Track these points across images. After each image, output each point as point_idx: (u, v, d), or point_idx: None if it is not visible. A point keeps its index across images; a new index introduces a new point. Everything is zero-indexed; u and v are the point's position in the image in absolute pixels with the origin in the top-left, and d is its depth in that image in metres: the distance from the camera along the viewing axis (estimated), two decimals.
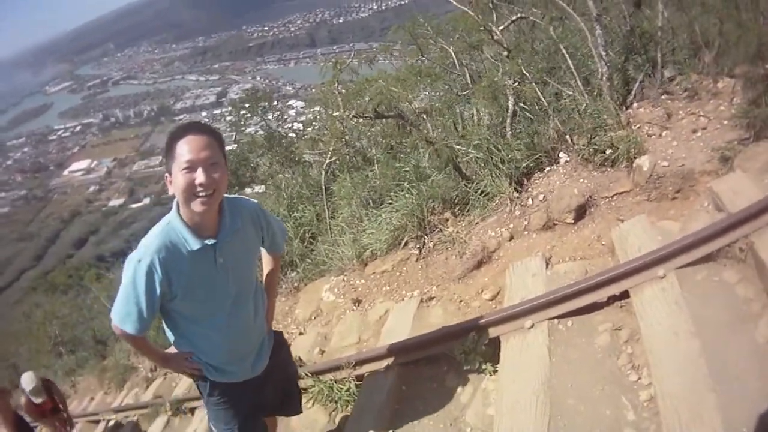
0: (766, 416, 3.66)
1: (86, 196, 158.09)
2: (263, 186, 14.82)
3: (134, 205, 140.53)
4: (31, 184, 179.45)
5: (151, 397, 10.38)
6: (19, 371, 27.22)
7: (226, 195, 3.78)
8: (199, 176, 3.43)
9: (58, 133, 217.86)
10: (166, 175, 3.56)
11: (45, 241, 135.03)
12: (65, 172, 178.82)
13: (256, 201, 4.21)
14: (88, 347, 19.23)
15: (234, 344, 4.06)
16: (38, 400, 9.47)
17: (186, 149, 3.42)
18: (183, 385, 9.97)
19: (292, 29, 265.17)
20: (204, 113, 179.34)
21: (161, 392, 10.40)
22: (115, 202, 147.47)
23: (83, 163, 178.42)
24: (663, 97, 7.52)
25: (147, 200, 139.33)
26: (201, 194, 3.48)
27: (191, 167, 3.42)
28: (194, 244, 3.62)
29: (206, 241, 3.63)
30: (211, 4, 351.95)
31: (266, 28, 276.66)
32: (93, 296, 20.89)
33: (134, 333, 3.69)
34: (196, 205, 3.51)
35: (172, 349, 4.16)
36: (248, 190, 15.46)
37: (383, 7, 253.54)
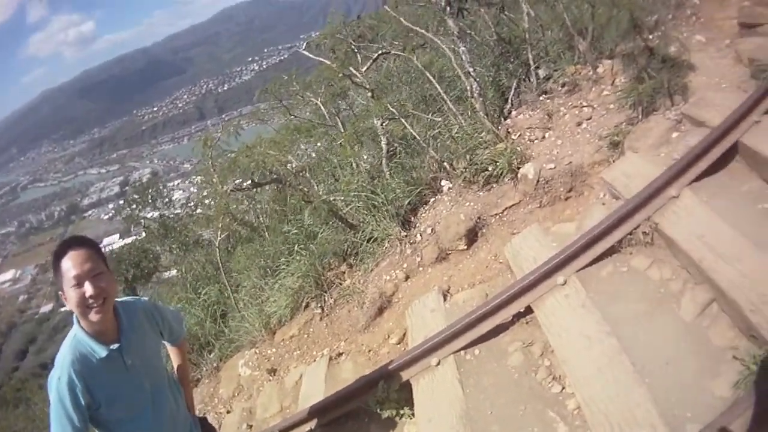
0: (708, 394, 3.71)
1: (18, 306, 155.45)
2: (174, 270, 14.73)
3: (63, 309, 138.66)
4: None
5: None
6: None
7: (117, 299, 3.75)
8: (88, 289, 3.41)
9: None
10: (60, 292, 3.52)
11: None
12: None
13: (145, 298, 4.22)
14: None
15: None
16: None
17: (70, 265, 3.41)
18: None
19: (180, 105, 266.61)
20: (111, 205, 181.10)
21: None
22: (45, 308, 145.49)
23: (8, 274, 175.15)
24: (542, 98, 7.55)
25: None
26: (93, 305, 3.45)
27: (78, 282, 3.40)
28: (101, 352, 3.56)
29: (111, 347, 3.58)
30: (99, 93, 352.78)
31: (155, 109, 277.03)
32: (40, 408, 20.49)
33: None
34: (92, 316, 3.48)
35: None
36: (160, 277, 15.34)
37: (264, 66, 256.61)
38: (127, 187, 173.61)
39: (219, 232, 10.05)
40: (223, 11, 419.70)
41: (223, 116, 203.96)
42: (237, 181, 9.83)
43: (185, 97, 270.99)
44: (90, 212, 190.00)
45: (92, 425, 3.63)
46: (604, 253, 4.79)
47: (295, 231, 8.80)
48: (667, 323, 4.18)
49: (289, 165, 9.99)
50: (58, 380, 3.44)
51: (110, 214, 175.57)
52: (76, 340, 3.56)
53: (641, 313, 4.29)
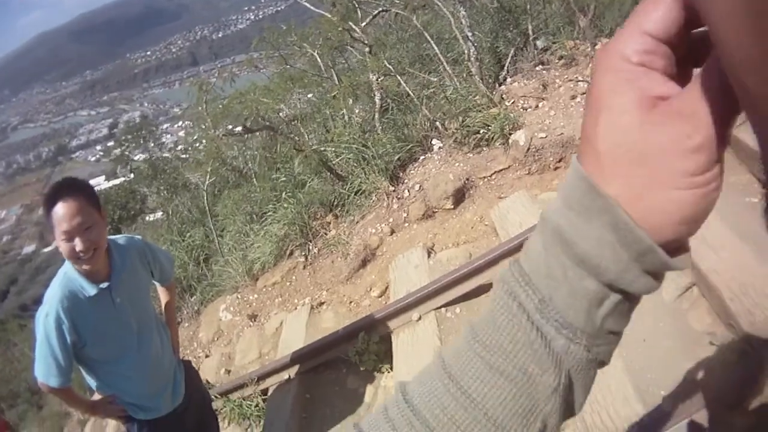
0: (681, 374, 3.70)
1: (1, 246, 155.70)
2: (160, 213, 14.68)
3: (46, 249, 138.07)
4: None
5: None
6: None
7: (110, 238, 3.83)
8: (78, 244, 3.44)
9: None
10: (50, 235, 3.68)
11: None
12: None
13: (139, 237, 4.23)
14: (25, 399, 18.21)
15: (149, 378, 4.05)
16: None
17: (60, 217, 3.42)
18: (111, 426, 9.75)
19: (174, 50, 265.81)
20: (98, 147, 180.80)
21: None
22: (28, 249, 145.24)
23: None
24: (538, 68, 7.52)
25: None
26: (83, 257, 3.49)
27: (68, 237, 3.42)
28: (90, 290, 3.61)
29: (101, 285, 3.63)
30: (94, 36, 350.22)
31: (149, 53, 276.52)
32: (20, 348, 20.45)
33: (58, 386, 3.68)
34: (82, 265, 3.54)
35: (96, 396, 4.16)
36: (145, 219, 15.28)
37: (260, 16, 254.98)
38: (115, 130, 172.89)
39: (207, 176, 10.04)
40: None
41: (217, 63, 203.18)
42: (229, 127, 9.79)
43: (179, 42, 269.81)
44: (77, 153, 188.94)
45: (77, 363, 3.78)
46: None
47: (284, 179, 8.82)
48: (647, 301, 3.98)
49: (281, 113, 9.99)
50: (46, 317, 3.51)
51: (97, 156, 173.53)
52: (66, 278, 3.60)
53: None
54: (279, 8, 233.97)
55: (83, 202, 3.43)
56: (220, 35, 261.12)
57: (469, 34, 7.60)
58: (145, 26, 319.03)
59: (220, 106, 9.74)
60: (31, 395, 17.66)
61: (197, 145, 13.06)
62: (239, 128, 9.21)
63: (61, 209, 3.40)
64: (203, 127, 10.35)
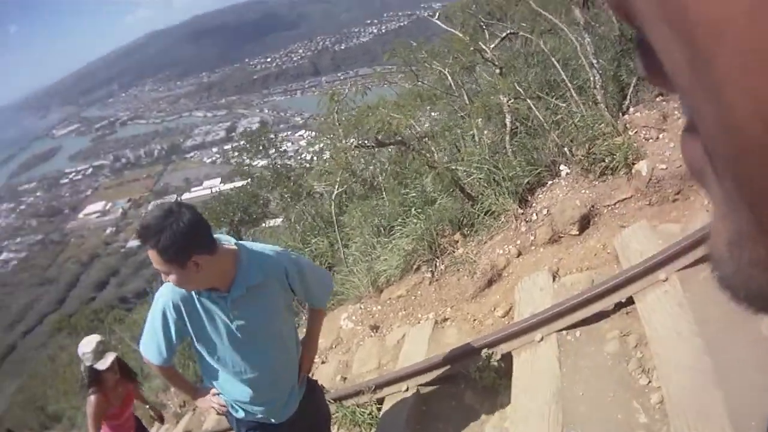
0: None
1: (104, 238, 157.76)
2: (280, 219, 15.07)
3: None
4: (46, 228, 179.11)
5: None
6: (47, 413, 27.29)
7: (253, 248, 3.98)
8: (176, 283, 3.65)
9: (70, 176, 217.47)
10: None
11: (65, 285, 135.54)
12: (80, 215, 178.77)
13: (290, 254, 4.33)
14: None
15: (258, 389, 4.14)
16: (103, 366, 6.69)
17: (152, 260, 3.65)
18: (211, 420, 10.13)
19: (295, 59, 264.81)
20: (215, 149, 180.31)
21: (191, 427, 10.59)
22: (133, 243, 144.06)
23: (98, 206, 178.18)
24: (658, 99, 7.67)
25: None
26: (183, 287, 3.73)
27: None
28: (205, 297, 3.79)
29: (219, 293, 3.77)
30: (210, 39, 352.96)
31: (269, 60, 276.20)
32: (117, 337, 20.94)
33: (157, 363, 4.00)
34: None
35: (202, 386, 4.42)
36: (264, 225, 15.70)
37: (383, 30, 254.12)
38: (233, 133, 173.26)
39: (336, 186, 10.36)
40: None
41: (339, 74, 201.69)
42: (353, 140, 10.03)
43: (300, 51, 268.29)
44: (192, 154, 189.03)
45: (193, 352, 4.31)
46: (703, 257, 4.69)
47: (414, 194, 9.09)
48: (754, 333, 4.26)
49: (411, 129, 10.32)
50: (162, 297, 3.81)
51: (213, 158, 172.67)
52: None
53: (730, 319, 4.35)
54: (402, 23, 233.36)
55: (156, 252, 3.50)
56: (342, 47, 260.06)
57: (594, 61, 7.85)
58: (263, 33, 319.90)
59: (352, 117, 10.04)
60: None
61: (325, 155, 13.48)
62: (371, 141, 9.49)
63: (150, 254, 3.57)
64: (332, 136, 10.75)
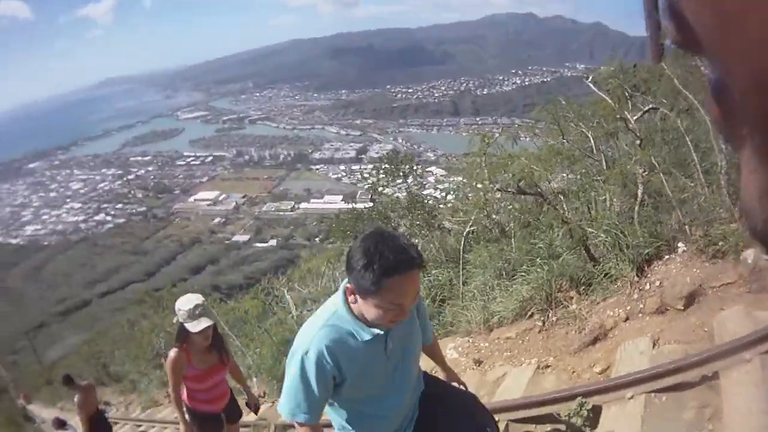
0: None
1: (210, 226, 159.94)
2: None
3: (259, 245, 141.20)
4: (152, 203, 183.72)
5: (255, 419, 10.82)
6: (108, 371, 28.93)
7: None
8: (402, 315, 3.49)
9: (188, 159, 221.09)
10: (349, 286, 3.54)
11: (159, 260, 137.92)
12: (191, 199, 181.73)
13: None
14: None
15: (394, 421, 4.12)
16: (194, 329, 6.63)
17: (399, 290, 3.37)
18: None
19: (436, 95, 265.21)
20: (342, 167, 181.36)
21: (266, 416, 11.02)
22: (239, 238, 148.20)
23: (211, 194, 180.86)
24: None
25: (273, 242, 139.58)
26: (393, 322, 3.54)
27: (395, 308, 3.42)
28: (365, 335, 3.60)
29: (376, 331, 3.59)
30: (353, 58, 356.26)
31: (410, 90, 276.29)
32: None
33: (306, 422, 3.72)
34: (380, 325, 3.57)
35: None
36: None
37: (526, 83, 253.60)
38: (363, 156, 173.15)
39: (469, 224, 10.94)
40: (493, 17, 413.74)
41: (478, 119, 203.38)
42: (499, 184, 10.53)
43: (443, 88, 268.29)
44: (318, 167, 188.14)
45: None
46: None
47: (541, 245, 9.51)
48: None
49: (548, 184, 10.88)
50: (305, 354, 3.54)
51: (339, 175, 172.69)
52: (337, 317, 3.62)
53: None
54: (545, 79, 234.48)
55: (418, 271, 3.42)
56: (484, 92, 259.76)
57: (723, 146, 8.31)
58: (408, 63, 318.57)
59: (497, 161, 10.71)
60: None
61: (458, 194, 14.03)
62: (512, 187, 10.02)
63: (404, 282, 3.35)
64: (474, 176, 11.40)
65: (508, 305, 9.01)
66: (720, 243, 7.41)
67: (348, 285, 3.56)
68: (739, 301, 6.54)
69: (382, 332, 3.61)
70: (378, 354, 3.70)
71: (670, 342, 6.59)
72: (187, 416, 7.39)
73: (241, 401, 8.18)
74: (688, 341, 6.41)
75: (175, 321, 6.82)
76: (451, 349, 9.22)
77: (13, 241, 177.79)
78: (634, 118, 9.92)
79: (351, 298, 3.57)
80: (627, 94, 10.70)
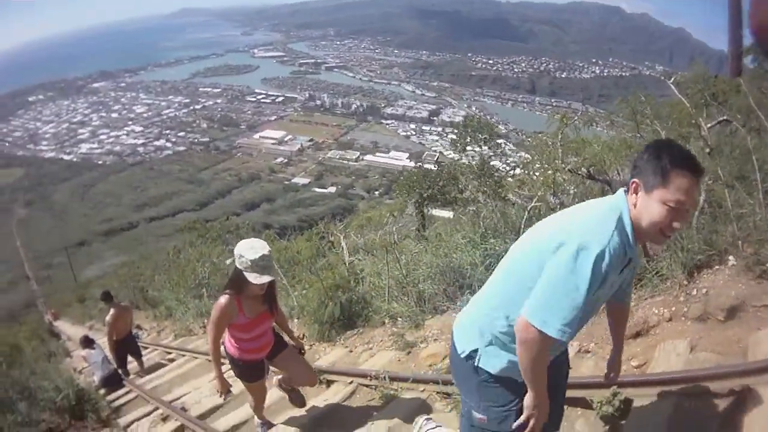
0: None
1: (271, 164, 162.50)
2: (452, 212, 16.01)
3: (318, 190, 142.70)
4: (215, 134, 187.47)
5: None
6: (145, 295, 29.26)
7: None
8: (678, 222, 3.46)
9: (258, 97, 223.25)
10: (635, 181, 3.56)
11: (214, 192, 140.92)
12: (256, 136, 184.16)
13: None
14: None
15: (560, 348, 4.29)
16: (255, 281, 6.35)
17: (683, 187, 3.39)
18: (327, 359, 10.98)
19: (516, 70, 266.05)
20: (412, 125, 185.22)
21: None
22: (299, 180, 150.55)
23: (277, 133, 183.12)
24: None
25: (333, 189, 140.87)
26: (668, 235, 3.53)
27: (679, 209, 3.42)
28: (631, 251, 3.57)
29: (634, 248, 3.59)
30: (437, 21, 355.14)
31: (490, 62, 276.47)
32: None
33: (558, 337, 3.48)
34: (655, 242, 3.67)
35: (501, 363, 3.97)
36: (435, 212, 16.40)
37: (605, 74, 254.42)
38: (435, 117, 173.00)
39: (535, 199, 11.04)
40: (581, 3, 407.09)
41: (553, 100, 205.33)
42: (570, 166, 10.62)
43: (523, 64, 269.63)
44: (389, 122, 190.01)
45: None
46: None
47: None
48: None
49: (619, 174, 10.87)
50: (600, 254, 3.36)
51: (408, 133, 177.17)
52: (621, 224, 3.53)
53: None
54: (624, 74, 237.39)
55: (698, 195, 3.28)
56: (563, 75, 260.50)
57: None
58: (491, 34, 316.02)
59: (572, 143, 10.93)
60: None
61: (525, 171, 14.14)
62: (582, 171, 10.15)
63: (688, 180, 3.39)
64: (547, 154, 11.44)
65: None
66: (767, 264, 7.39)
67: (634, 180, 3.58)
68: None
69: (633, 251, 3.60)
70: (614, 276, 3.61)
71: (706, 350, 6.62)
72: (227, 364, 7.47)
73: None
74: (723, 353, 6.42)
75: (229, 262, 6.78)
76: None
77: (66, 158, 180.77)
78: (708, 126, 9.85)
79: (632, 198, 3.58)
80: (704, 101, 10.72)
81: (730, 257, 8.13)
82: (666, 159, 3.43)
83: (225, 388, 7.22)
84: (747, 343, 6.38)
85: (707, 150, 9.54)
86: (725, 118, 10.22)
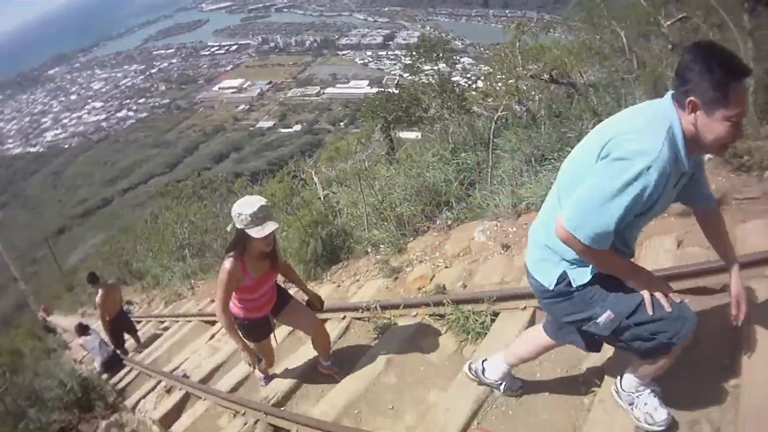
0: None
1: (234, 113, 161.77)
2: (419, 133, 15.95)
3: (284, 130, 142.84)
4: (175, 94, 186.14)
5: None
6: (130, 268, 29.22)
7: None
8: (736, 134, 3.32)
9: (212, 49, 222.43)
10: (693, 99, 3.30)
11: (182, 151, 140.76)
12: (214, 88, 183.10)
13: None
14: (215, 254, 19.81)
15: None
16: (259, 234, 6.05)
17: (741, 98, 3.26)
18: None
19: None
20: (369, 52, 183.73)
21: None
22: (263, 124, 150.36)
23: (235, 82, 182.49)
24: None
25: (298, 127, 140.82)
26: (729, 145, 3.50)
27: (737, 123, 3.28)
28: (686, 164, 3.46)
29: (689, 160, 3.46)
30: None
31: None
32: (218, 206, 22.10)
33: (591, 245, 3.50)
34: (716, 154, 3.77)
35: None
36: (402, 135, 16.39)
37: None
38: (390, 42, 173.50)
39: (500, 109, 10.95)
40: None
41: (507, 11, 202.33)
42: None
43: None
44: (345, 52, 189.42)
45: None
46: None
47: (571, 135, 9.51)
48: None
49: (581, 76, 10.89)
50: (646, 170, 3.26)
51: (365, 60, 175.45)
52: (672, 136, 3.38)
53: None
54: None
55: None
56: None
57: (752, 63, 8.20)
58: None
59: (531, 49, 10.93)
60: (225, 252, 19.13)
61: (486, 82, 14.14)
62: (545, 76, 10.02)
63: (743, 87, 3.29)
64: (507, 63, 11.39)
65: (537, 191, 9.03)
66: (745, 157, 7.40)
67: (690, 99, 3.31)
68: (762, 216, 6.51)
69: (689, 163, 3.45)
70: (669, 190, 3.53)
71: (693, 245, 6.58)
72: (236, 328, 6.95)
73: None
74: (710, 247, 6.28)
75: (230, 228, 6.30)
76: (479, 232, 9.40)
77: (33, 150, 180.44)
78: (667, 23, 9.87)
79: (690, 118, 3.36)
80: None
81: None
82: (720, 72, 3.20)
83: (253, 359, 6.98)
84: (734, 236, 6.23)
85: (669, 47, 9.61)
86: (684, 15, 10.13)
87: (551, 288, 4.02)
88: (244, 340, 6.87)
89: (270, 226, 6.04)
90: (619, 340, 4.03)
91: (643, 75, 9.72)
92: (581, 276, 3.88)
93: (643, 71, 9.84)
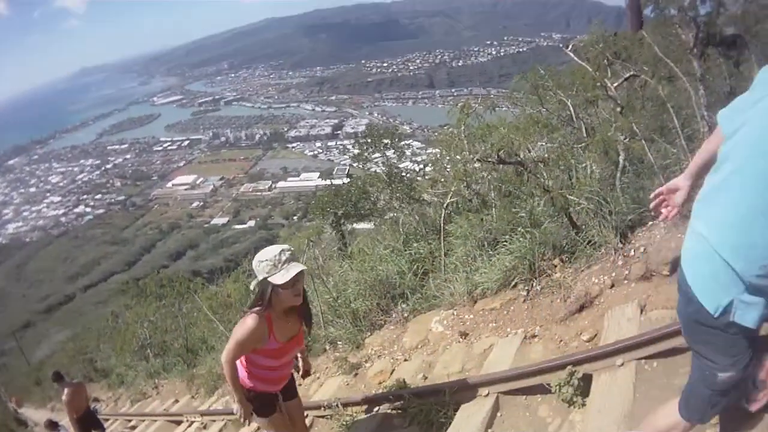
0: None
1: (188, 210, 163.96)
2: (372, 223, 15.65)
3: (238, 226, 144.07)
4: (130, 191, 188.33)
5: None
6: (95, 366, 29.05)
7: None
8: None
9: (164, 145, 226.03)
10: None
11: (140, 249, 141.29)
12: (168, 185, 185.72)
13: None
14: (177, 354, 19.79)
15: None
16: (281, 279, 5.31)
17: None
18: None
19: (411, 68, 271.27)
20: (318, 143, 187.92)
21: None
22: (218, 221, 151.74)
23: (188, 178, 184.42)
24: None
25: (252, 223, 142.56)
26: None
27: None
28: None
29: None
30: (328, 35, 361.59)
31: (385, 65, 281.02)
32: (190, 306, 21.35)
33: None
34: None
35: None
36: (356, 226, 16.28)
37: (501, 53, 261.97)
38: (339, 131, 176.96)
39: (450, 196, 10.82)
40: None
41: (453, 90, 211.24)
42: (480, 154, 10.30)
43: (418, 61, 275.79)
44: (295, 144, 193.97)
45: None
46: None
47: (523, 214, 9.39)
48: None
49: (529, 152, 10.73)
50: None
51: (315, 152, 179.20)
52: None
53: None
54: (521, 49, 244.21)
55: None
56: (459, 63, 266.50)
57: (705, 113, 8.31)
58: (383, 37, 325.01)
59: (477, 131, 10.67)
60: (186, 352, 19.09)
61: (436, 166, 13.89)
62: (492, 157, 9.86)
63: None
64: (453, 147, 11.20)
65: (492, 276, 8.90)
66: None
67: None
68: None
69: None
70: None
71: (657, 308, 6.50)
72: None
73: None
74: (675, 307, 6.24)
75: (253, 287, 5.54)
76: (436, 322, 9.24)
77: None
78: (614, 85, 9.83)
79: None
80: (607, 61, 10.63)
81: (663, 210, 7.82)
82: None
83: (248, 412, 5.88)
84: None
85: (618, 109, 9.52)
86: (632, 73, 10.11)
87: (715, 315, 3.07)
88: (243, 395, 5.86)
89: (295, 268, 5.31)
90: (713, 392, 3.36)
91: (592, 143, 9.59)
92: (747, 315, 2.98)
93: (593, 139, 9.67)
